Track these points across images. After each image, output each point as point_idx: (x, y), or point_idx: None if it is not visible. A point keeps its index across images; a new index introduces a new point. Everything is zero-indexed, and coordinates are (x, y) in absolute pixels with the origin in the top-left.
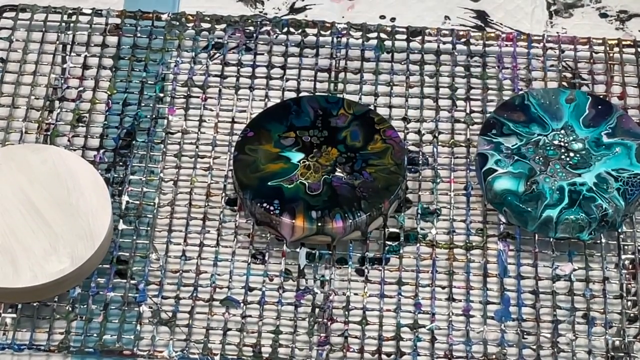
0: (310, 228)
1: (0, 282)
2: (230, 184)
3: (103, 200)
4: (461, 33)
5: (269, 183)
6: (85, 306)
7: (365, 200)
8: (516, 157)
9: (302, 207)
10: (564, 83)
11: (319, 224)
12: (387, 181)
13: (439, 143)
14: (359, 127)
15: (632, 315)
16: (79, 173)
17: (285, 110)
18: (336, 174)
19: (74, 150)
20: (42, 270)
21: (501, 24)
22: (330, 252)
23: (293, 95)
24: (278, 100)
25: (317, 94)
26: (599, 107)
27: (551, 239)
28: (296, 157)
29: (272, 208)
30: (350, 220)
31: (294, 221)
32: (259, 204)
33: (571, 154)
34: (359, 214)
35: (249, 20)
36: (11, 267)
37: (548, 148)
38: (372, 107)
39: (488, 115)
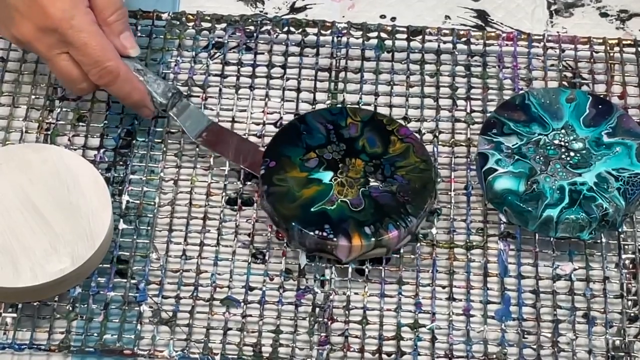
0: (367, 245)
1: (1, 281)
2: (231, 184)
3: (103, 199)
4: (461, 32)
5: (312, 209)
6: (85, 306)
7: (409, 203)
8: (517, 157)
9: (353, 225)
10: (565, 82)
11: (376, 238)
12: (422, 180)
13: (440, 142)
14: (372, 132)
15: (632, 314)
16: (80, 172)
17: (295, 131)
18: (371, 184)
19: (75, 149)
20: (42, 270)
21: (502, 23)
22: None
23: (294, 94)
24: (278, 100)
25: (317, 107)
26: (600, 106)
27: (551, 239)
28: (326, 176)
29: (325, 234)
30: (403, 227)
31: (351, 242)
32: (311, 233)
33: (571, 154)
34: (409, 219)
35: (250, 20)
36: (11, 266)
37: (548, 148)
38: (372, 108)
39: (488, 114)
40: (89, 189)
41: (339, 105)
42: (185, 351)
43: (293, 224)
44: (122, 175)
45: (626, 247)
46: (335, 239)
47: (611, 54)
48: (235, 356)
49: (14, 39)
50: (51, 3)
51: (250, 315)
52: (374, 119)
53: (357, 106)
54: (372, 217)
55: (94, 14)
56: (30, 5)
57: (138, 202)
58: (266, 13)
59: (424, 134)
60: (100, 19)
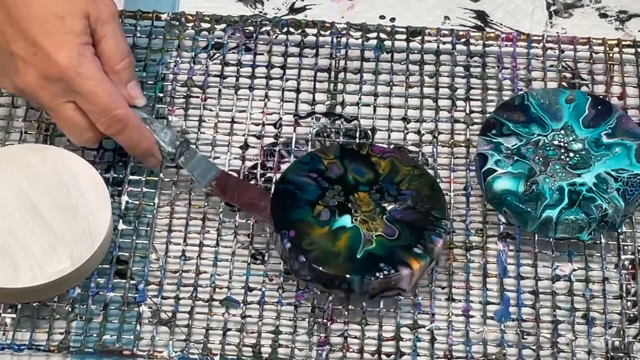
0: (425, 263)
1: (0, 282)
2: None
3: (103, 200)
4: (461, 33)
5: (358, 256)
6: (85, 306)
7: (433, 209)
8: (516, 157)
9: (403, 252)
10: (564, 83)
11: (429, 254)
12: (426, 183)
13: (439, 143)
14: (353, 163)
15: (631, 315)
16: (79, 173)
17: (289, 194)
18: (388, 209)
19: (74, 150)
20: (41, 270)
21: (501, 24)
22: None
23: (293, 95)
24: (278, 101)
25: (292, 160)
26: (599, 107)
27: (551, 239)
28: (346, 220)
29: (386, 272)
30: (443, 232)
31: (411, 268)
32: (373, 278)
33: (571, 154)
34: (442, 223)
35: (249, 20)
36: (11, 267)
37: (548, 148)
38: (372, 109)
39: (488, 115)
40: (89, 189)
41: (306, 153)
42: (185, 352)
43: (351, 277)
44: (121, 176)
45: (625, 247)
46: (397, 272)
47: (610, 55)
48: (235, 357)
49: (17, 89)
50: (57, 50)
51: (250, 316)
52: (345, 150)
53: (322, 144)
54: (412, 238)
55: (100, 61)
56: (35, 53)
57: (137, 202)
58: (265, 14)
59: (423, 134)
60: (107, 67)
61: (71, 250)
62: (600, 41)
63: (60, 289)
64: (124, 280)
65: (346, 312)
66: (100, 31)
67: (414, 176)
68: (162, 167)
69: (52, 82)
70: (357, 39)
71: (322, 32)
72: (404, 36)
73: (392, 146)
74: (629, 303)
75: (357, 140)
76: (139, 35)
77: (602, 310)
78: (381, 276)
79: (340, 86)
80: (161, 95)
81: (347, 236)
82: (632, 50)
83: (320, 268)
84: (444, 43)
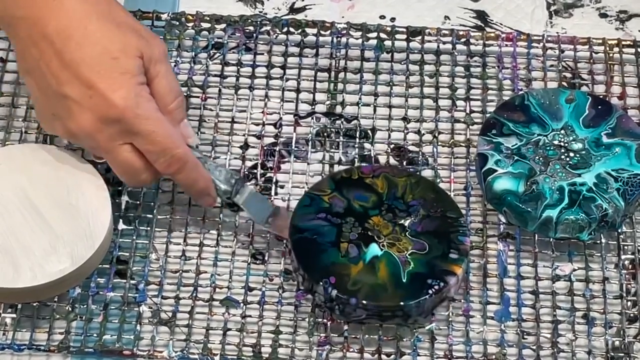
0: (465, 265)
1: (0, 282)
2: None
3: (103, 200)
4: (461, 33)
5: (404, 280)
6: (85, 306)
7: (447, 210)
8: (516, 157)
9: (442, 261)
10: (564, 83)
11: (465, 256)
12: (427, 187)
13: (439, 143)
14: (351, 191)
15: (632, 315)
16: (79, 173)
17: (310, 242)
18: (407, 225)
19: (74, 150)
20: (42, 270)
21: (501, 24)
22: None
23: (293, 95)
24: (278, 100)
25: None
26: (599, 107)
27: (551, 239)
28: (375, 249)
29: (437, 287)
30: (467, 230)
31: (456, 274)
32: (428, 296)
33: (571, 154)
34: (461, 221)
35: (249, 20)
36: (11, 267)
37: (548, 148)
38: (372, 109)
39: (488, 115)
40: (89, 189)
41: (304, 195)
42: (185, 352)
43: (406, 303)
44: None
45: (625, 247)
46: (446, 283)
47: (610, 55)
48: (235, 357)
49: (69, 133)
50: (113, 91)
51: (250, 316)
52: (337, 180)
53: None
54: (443, 245)
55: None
56: (91, 95)
57: (137, 202)
58: (265, 14)
59: (424, 134)
60: (160, 106)
61: (71, 250)
62: (601, 41)
63: (60, 289)
64: (124, 280)
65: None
66: (153, 70)
67: (412, 184)
68: (221, 208)
69: (109, 125)
70: (357, 38)
71: (322, 32)
72: (404, 36)
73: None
74: (629, 303)
75: (357, 140)
76: None
77: (602, 310)
78: (433, 292)
79: (340, 86)
80: None
81: (384, 264)
82: (632, 50)
83: (377, 303)
84: (444, 43)
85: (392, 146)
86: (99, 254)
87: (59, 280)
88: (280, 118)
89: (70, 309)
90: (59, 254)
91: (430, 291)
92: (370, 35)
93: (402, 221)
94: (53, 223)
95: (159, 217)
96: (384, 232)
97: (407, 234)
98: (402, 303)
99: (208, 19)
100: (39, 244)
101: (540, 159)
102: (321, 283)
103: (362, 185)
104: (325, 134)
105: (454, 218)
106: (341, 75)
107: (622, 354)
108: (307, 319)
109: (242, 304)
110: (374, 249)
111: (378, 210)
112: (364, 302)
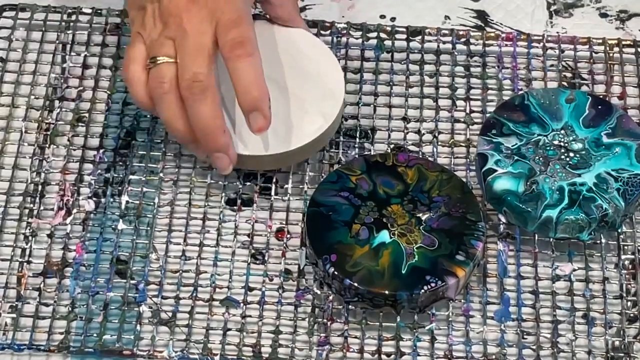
0: (469, 270)
1: (268, 149)
2: (231, 184)
3: (330, 59)
4: (461, 33)
5: (403, 272)
6: (85, 306)
7: (468, 212)
8: (516, 157)
9: (447, 261)
10: (564, 83)
11: (471, 260)
12: (456, 186)
13: (439, 143)
14: (380, 176)
15: (632, 315)
16: (297, 39)
17: (323, 217)
18: (424, 219)
19: (74, 150)
20: (301, 131)
21: (501, 23)
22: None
23: None
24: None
25: (319, 183)
26: (599, 107)
27: (551, 239)
28: (385, 236)
29: (433, 284)
30: (482, 235)
31: (457, 276)
32: (422, 291)
33: (571, 154)
34: (479, 225)
35: None
36: (272, 133)
37: (548, 148)
38: (372, 109)
39: (488, 115)
40: (313, 52)
41: (333, 171)
42: (185, 352)
43: (400, 293)
44: (121, 176)
45: (626, 247)
46: (444, 283)
47: (611, 55)
48: (235, 357)
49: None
50: None
51: (250, 316)
52: (370, 163)
53: (343, 161)
54: (453, 245)
55: None
56: None
57: (138, 202)
58: (266, 14)
59: (424, 134)
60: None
61: (320, 109)
62: (601, 41)
63: (314, 150)
64: (124, 280)
65: (346, 312)
66: None
67: (442, 181)
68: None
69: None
70: (357, 38)
71: (322, 32)
72: (404, 36)
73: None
74: (629, 303)
75: (357, 140)
76: None
77: (602, 310)
78: (428, 289)
79: None
80: None
81: (388, 252)
82: (633, 50)
83: (368, 289)
84: (444, 43)
85: (392, 146)
86: (341, 112)
87: (317, 139)
88: None
89: (70, 309)
90: (310, 114)
91: (425, 287)
92: (370, 35)
93: (420, 214)
94: (295, 90)
95: (159, 216)
96: (399, 221)
97: (421, 227)
98: (394, 293)
99: None
100: (288, 110)
101: (540, 159)
102: (322, 259)
103: (393, 173)
104: None
105: (472, 221)
106: None
107: (622, 354)
108: (307, 319)
109: (242, 304)
110: (383, 236)
111: (400, 200)
112: (356, 284)
